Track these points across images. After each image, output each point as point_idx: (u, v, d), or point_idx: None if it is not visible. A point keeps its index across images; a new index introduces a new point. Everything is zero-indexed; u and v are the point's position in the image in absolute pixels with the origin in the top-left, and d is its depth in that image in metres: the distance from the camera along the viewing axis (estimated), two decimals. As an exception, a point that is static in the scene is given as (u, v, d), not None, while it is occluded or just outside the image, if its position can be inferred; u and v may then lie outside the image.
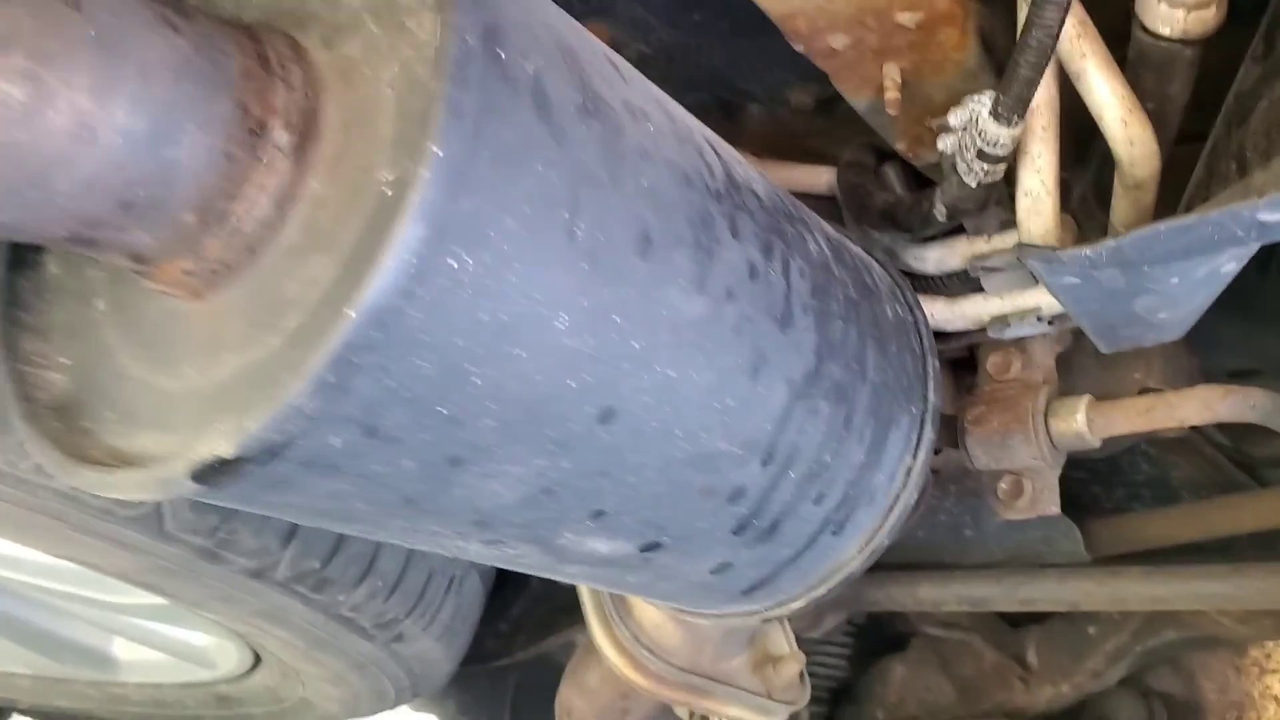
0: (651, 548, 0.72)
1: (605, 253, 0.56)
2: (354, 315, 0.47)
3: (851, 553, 0.82)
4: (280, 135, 0.54)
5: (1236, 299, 1.14)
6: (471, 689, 1.82)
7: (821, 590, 0.84)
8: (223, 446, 0.50)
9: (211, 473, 0.51)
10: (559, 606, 1.59)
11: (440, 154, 0.48)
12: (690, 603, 0.86)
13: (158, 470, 0.53)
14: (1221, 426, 1.47)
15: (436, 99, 0.48)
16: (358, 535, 0.68)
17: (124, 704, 1.63)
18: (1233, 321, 1.27)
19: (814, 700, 1.84)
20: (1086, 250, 0.68)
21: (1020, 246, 0.75)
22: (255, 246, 0.54)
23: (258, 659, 1.33)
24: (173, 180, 0.52)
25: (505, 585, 1.60)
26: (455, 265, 0.49)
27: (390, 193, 0.49)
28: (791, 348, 0.70)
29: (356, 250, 0.50)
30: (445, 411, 0.53)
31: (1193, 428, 1.40)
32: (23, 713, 2.21)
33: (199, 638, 1.44)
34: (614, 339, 0.58)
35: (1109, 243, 0.67)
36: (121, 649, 1.61)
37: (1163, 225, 0.63)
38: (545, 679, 1.73)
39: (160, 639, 1.47)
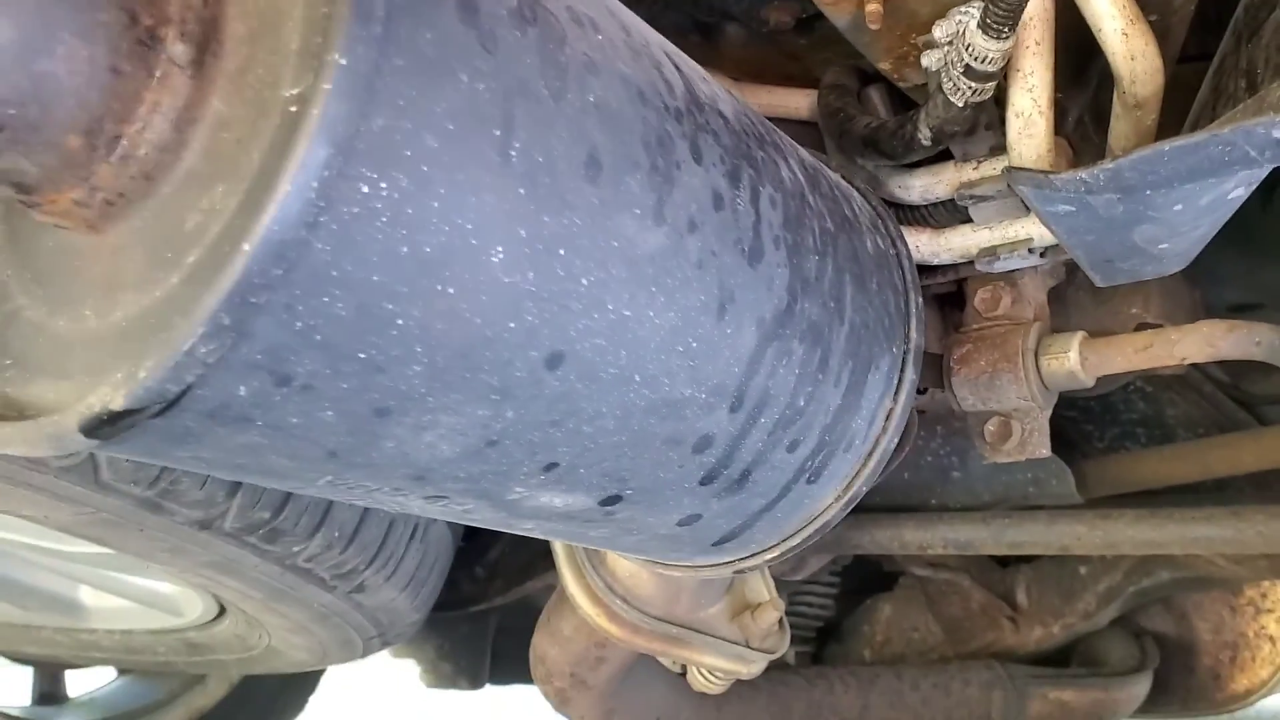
0: (612, 501, 0.67)
1: (546, 176, 0.50)
2: (249, 249, 0.42)
3: (828, 501, 0.78)
4: (176, 47, 0.48)
5: (1238, 232, 1.08)
6: (450, 633, 1.80)
7: (797, 541, 0.79)
8: (114, 398, 0.45)
9: (103, 426, 0.45)
10: (537, 550, 1.55)
11: (344, 63, 0.42)
12: (659, 555, 0.82)
13: (46, 424, 0.47)
14: (1221, 363, 1.42)
15: (341, 1, 0.42)
16: (288, 491, 0.62)
17: (94, 650, 1.60)
18: (1234, 255, 1.22)
19: (800, 640, 1.82)
20: (1082, 173, 0.62)
21: (1010, 170, 0.69)
22: (153, 173, 0.49)
23: (223, 608, 1.30)
24: (50, 98, 0.46)
25: (481, 530, 1.56)
26: (367, 190, 0.44)
27: (294, 109, 0.43)
28: (762, 284, 0.64)
29: (259, 177, 0.44)
30: (365, 356, 0.48)
31: (1191, 364, 1.36)
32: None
33: (165, 586, 1.40)
34: (559, 274, 0.52)
35: (1107, 164, 0.61)
36: (89, 596, 1.58)
37: (1167, 145, 0.57)
38: (526, 622, 1.70)
39: (125, 587, 1.43)
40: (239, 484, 0.92)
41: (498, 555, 1.55)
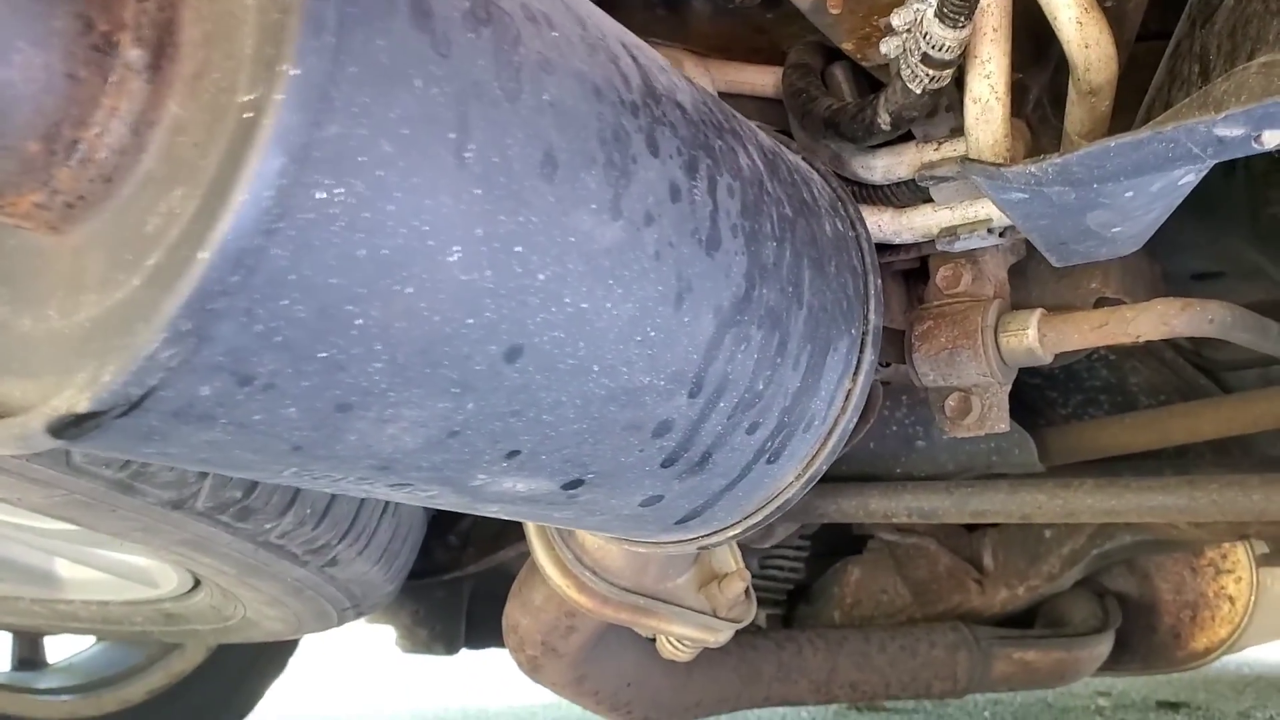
0: (574, 485, 0.68)
1: (502, 176, 0.51)
2: (206, 257, 0.43)
3: (788, 480, 0.79)
4: (131, 52, 0.48)
5: (1200, 201, 1.10)
6: (426, 599, 1.82)
7: (758, 518, 0.81)
8: (79, 401, 0.46)
9: (69, 428, 0.46)
10: (509, 520, 1.57)
11: (297, 73, 0.42)
12: (623, 533, 0.83)
13: (13, 425, 0.48)
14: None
15: (292, 10, 0.43)
16: (255, 479, 0.64)
17: (72, 620, 1.61)
18: (1196, 224, 1.24)
19: (771, 602, 1.85)
20: (1031, 167, 0.63)
21: (964, 161, 0.70)
22: (112, 176, 0.49)
23: (198, 581, 1.31)
24: (7, 105, 0.46)
25: (455, 498, 1.58)
26: (323, 197, 0.45)
27: (249, 116, 0.44)
28: (719, 273, 0.65)
29: (216, 182, 0.45)
30: (326, 355, 0.49)
31: (1150, 336, 1.38)
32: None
33: (140, 559, 1.41)
34: (516, 271, 0.53)
35: (1055, 159, 0.62)
36: (65, 569, 1.59)
37: (1112, 142, 0.58)
38: (501, 588, 1.73)
39: (100, 560, 1.44)
40: (209, 466, 0.93)
41: (470, 524, 1.57)
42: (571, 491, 0.69)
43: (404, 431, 0.56)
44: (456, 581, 1.79)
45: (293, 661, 2.69)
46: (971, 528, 1.77)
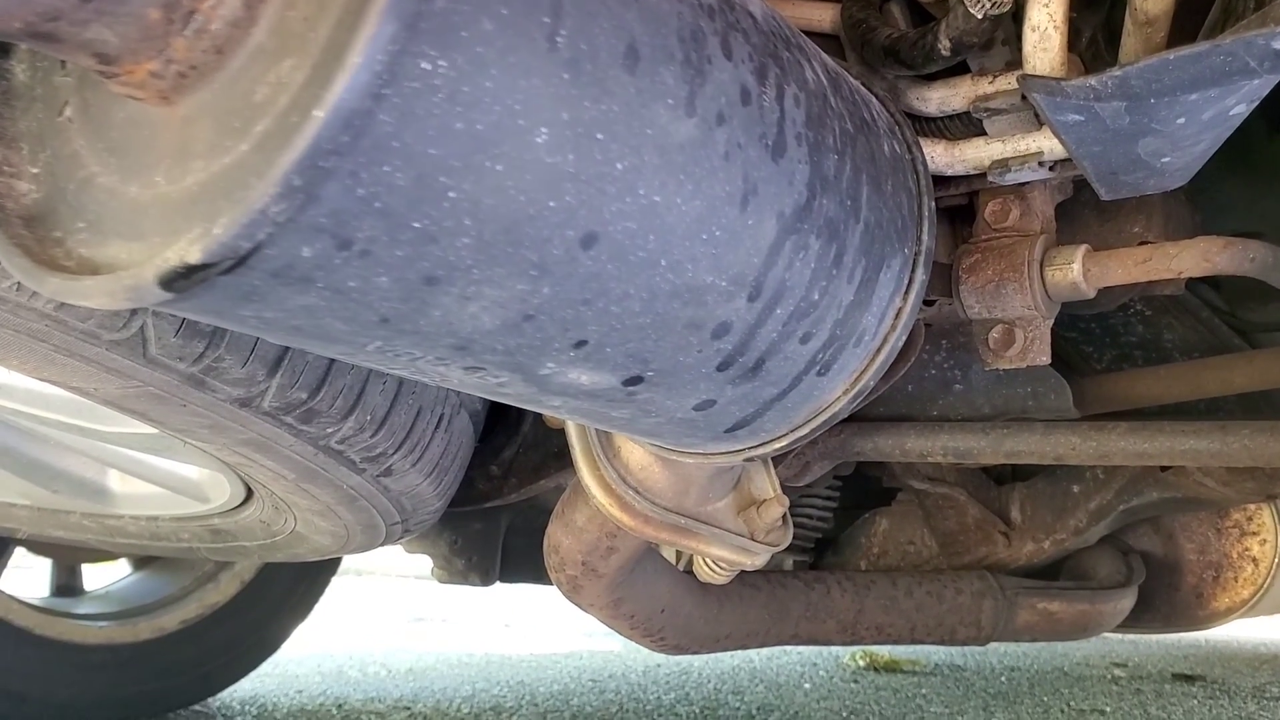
0: (634, 381, 0.71)
1: (589, 64, 0.54)
2: (321, 116, 0.46)
3: (836, 394, 0.82)
4: (247, -72, 0.51)
5: (1241, 159, 1.11)
6: (464, 529, 1.86)
7: (805, 431, 0.83)
8: (190, 253, 0.49)
9: (179, 279, 0.50)
10: (550, 452, 1.60)
11: None
12: (674, 440, 0.86)
13: (125, 277, 0.52)
14: (1218, 289, 1.46)
15: None
16: (337, 358, 0.67)
17: (120, 535, 1.66)
18: (1236, 183, 1.25)
19: (799, 550, 1.88)
20: (1092, 80, 0.65)
21: (1023, 77, 0.72)
22: (224, 48, 0.52)
23: (249, 493, 1.35)
24: None
25: (497, 429, 1.61)
26: (428, 68, 0.47)
27: (360, -10, 0.47)
28: (783, 179, 0.68)
29: (325, 52, 0.48)
30: (420, 226, 0.52)
31: (1189, 289, 1.39)
32: (22, 543, 2.27)
33: (192, 471, 1.45)
34: (596, 158, 0.56)
35: (1115, 72, 0.64)
36: (116, 482, 1.63)
37: (1172, 54, 0.60)
38: (536, 521, 1.77)
39: (153, 471, 1.49)
40: (279, 363, 0.96)
41: (512, 455, 1.61)
42: (631, 389, 0.72)
43: (483, 310, 0.59)
44: (495, 513, 1.83)
45: (320, 606, 2.76)
46: (1000, 481, 1.79)
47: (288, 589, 2.64)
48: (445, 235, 0.53)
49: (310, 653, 3.64)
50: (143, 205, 0.56)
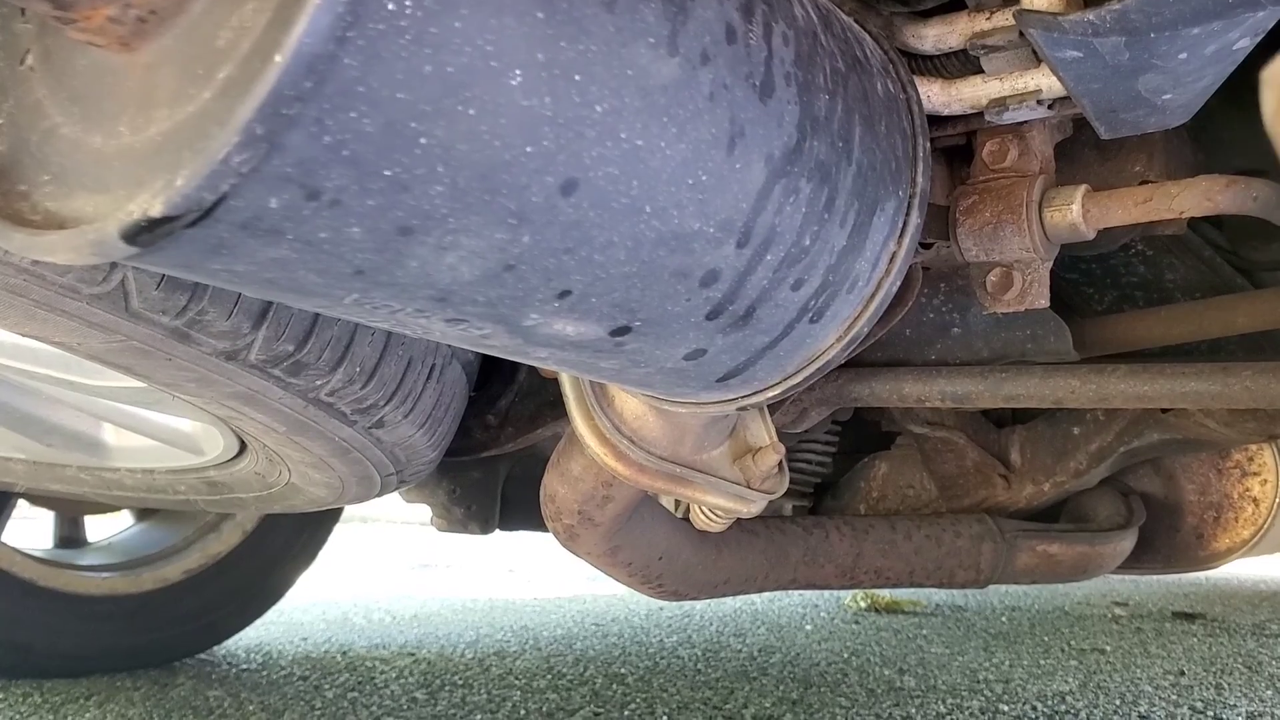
0: (621, 332, 0.70)
1: (564, 1, 0.52)
2: (282, 62, 0.44)
3: (830, 341, 0.81)
4: None
5: (1245, 97, 1.08)
6: (461, 479, 1.86)
7: (798, 379, 0.82)
8: (153, 205, 0.47)
9: (143, 233, 0.48)
10: (546, 401, 1.59)
11: None
12: (665, 390, 0.85)
13: (89, 231, 0.50)
14: (1221, 228, 1.43)
15: None
16: (316, 311, 0.65)
17: (117, 488, 1.66)
18: (1240, 120, 1.22)
19: (797, 494, 1.88)
20: (1090, 14, 0.63)
21: (1020, 13, 0.70)
22: (183, -10, 0.50)
23: (243, 446, 1.34)
24: None
25: (492, 379, 1.60)
26: (393, 8, 0.45)
27: (321, -74, 0.45)
28: (772, 120, 0.66)
29: None
30: (391, 174, 0.50)
31: (1191, 228, 1.37)
32: (23, 496, 2.27)
33: (185, 424, 1.44)
34: (574, 100, 0.54)
35: (1114, 5, 0.62)
36: (111, 435, 1.63)
37: (1173, -15, 0.58)
38: (535, 469, 1.76)
39: (147, 425, 1.48)
40: (264, 316, 0.94)
41: (508, 404, 1.60)
42: (619, 339, 0.70)
43: (462, 261, 0.57)
44: (493, 462, 1.82)
45: (324, 554, 2.78)
46: (999, 424, 1.78)
47: (290, 537, 2.65)
48: (418, 183, 0.51)
49: (315, 600, 3.67)
50: (107, 156, 0.54)
